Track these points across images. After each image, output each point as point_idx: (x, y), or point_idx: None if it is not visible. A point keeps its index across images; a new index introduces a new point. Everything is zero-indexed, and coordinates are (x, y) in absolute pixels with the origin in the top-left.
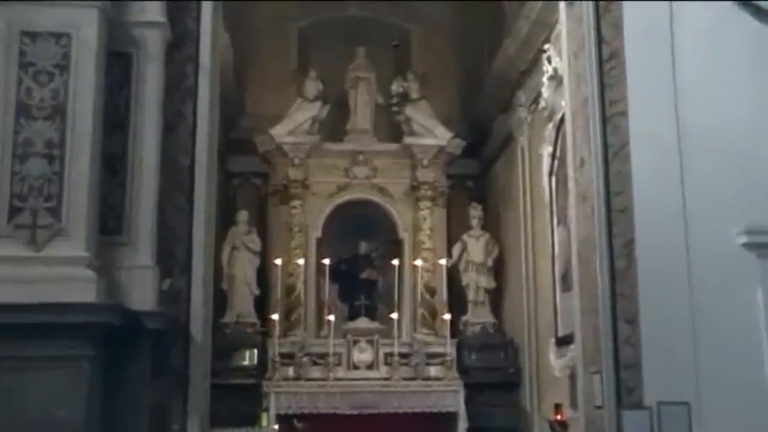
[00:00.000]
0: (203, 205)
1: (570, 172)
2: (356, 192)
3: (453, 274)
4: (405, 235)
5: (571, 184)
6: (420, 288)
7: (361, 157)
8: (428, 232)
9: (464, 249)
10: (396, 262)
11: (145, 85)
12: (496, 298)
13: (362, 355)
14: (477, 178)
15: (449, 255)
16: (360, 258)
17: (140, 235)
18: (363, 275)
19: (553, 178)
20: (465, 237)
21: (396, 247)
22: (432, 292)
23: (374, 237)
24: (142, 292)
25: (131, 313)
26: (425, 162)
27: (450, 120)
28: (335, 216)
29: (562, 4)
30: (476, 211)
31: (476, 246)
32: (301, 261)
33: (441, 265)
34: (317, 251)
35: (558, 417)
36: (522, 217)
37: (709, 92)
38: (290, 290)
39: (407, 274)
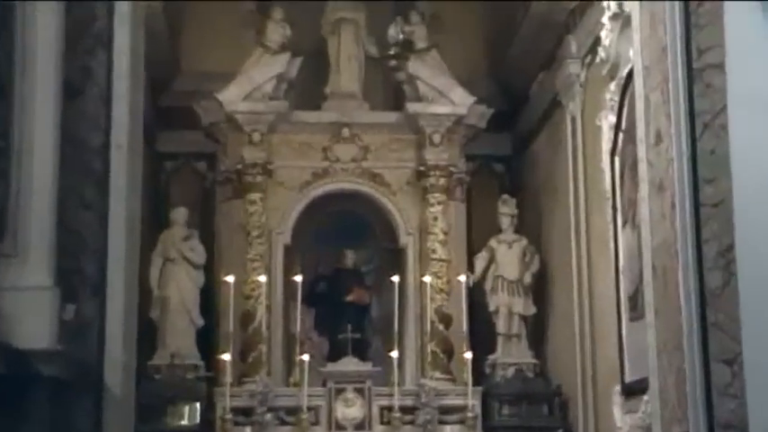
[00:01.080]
0: (123, 201)
1: (641, 151)
2: (340, 180)
3: (477, 295)
4: (408, 241)
5: (643, 169)
6: (430, 315)
7: (346, 132)
8: (441, 237)
9: (491, 261)
10: (396, 279)
11: (35, 32)
12: (537, 329)
13: (349, 409)
14: (510, 161)
15: (470, 269)
16: (345, 274)
17: (31, 243)
18: (350, 298)
19: (617, 160)
20: (493, 243)
21: (396, 259)
22: (446, 320)
23: (365, 244)
24: (35, 324)
25: (19, 354)
26: (437, 138)
27: (472, 79)
28: (311, 215)
29: None
30: (507, 208)
31: (508, 256)
32: (263, 278)
33: (459, 283)
34: (284, 264)
35: None
36: (572, 215)
37: None
38: (247, 319)
39: (412, 296)
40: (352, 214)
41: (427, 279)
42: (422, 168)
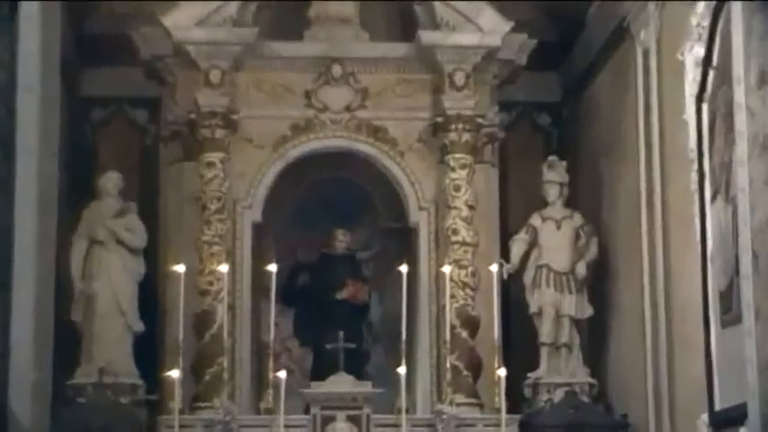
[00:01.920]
0: (33, 163)
1: (739, 96)
2: (328, 136)
3: (513, 292)
4: (421, 218)
5: (741, 119)
6: (450, 318)
7: (337, 70)
8: (465, 213)
9: (533, 245)
10: (404, 269)
11: None
12: (594, 338)
13: None
14: (558, 110)
15: (504, 256)
16: (336, 263)
17: None
18: (342, 295)
19: (705, 108)
20: (535, 221)
21: (404, 242)
22: (472, 325)
23: (362, 222)
24: None
25: None
26: (460, 79)
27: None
28: (290, 183)
29: None
30: (555, 173)
31: (555, 238)
32: (224, 268)
33: (490, 275)
34: (254, 249)
35: None
36: (642, 184)
37: None
38: (202, 323)
39: (426, 293)
40: (345, 182)
41: (446, 269)
42: (439, 120)
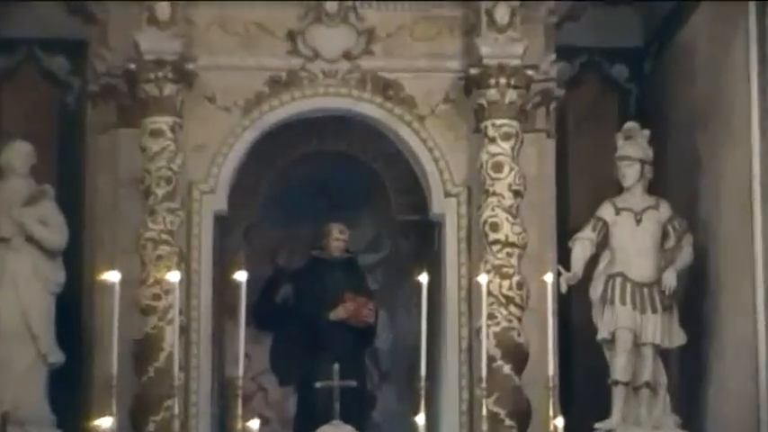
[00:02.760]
0: None
1: None
2: (320, 94)
3: (575, 310)
4: (448, 208)
5: None
6: (488, 347)
7: (332, 4)
8: (509, 201)
9: (604, 245)
10: (424, 279)
11: None
12: (687, 375)
13: None
14: (640, 61)
15: (563, 261)
16: (330, 271)
17: None
18: (338, 314)
19: None
20: (606, 213)
21: (425, 241)
22: (518, 356)
23: (367, 214)
24: None
25: None
26: (502, 16)
27: None
28: (267, 159)
29: None
30: (633, 146)
31: (635, 237)
32: (175, 276)
33: (543, 287)
34: (217, 251)
35: None
36: (756, 164)
37: None
38: (145, 351)
39: (454, 311)
40: (344, 159)
41: (483, 280)
42: (474, 72)
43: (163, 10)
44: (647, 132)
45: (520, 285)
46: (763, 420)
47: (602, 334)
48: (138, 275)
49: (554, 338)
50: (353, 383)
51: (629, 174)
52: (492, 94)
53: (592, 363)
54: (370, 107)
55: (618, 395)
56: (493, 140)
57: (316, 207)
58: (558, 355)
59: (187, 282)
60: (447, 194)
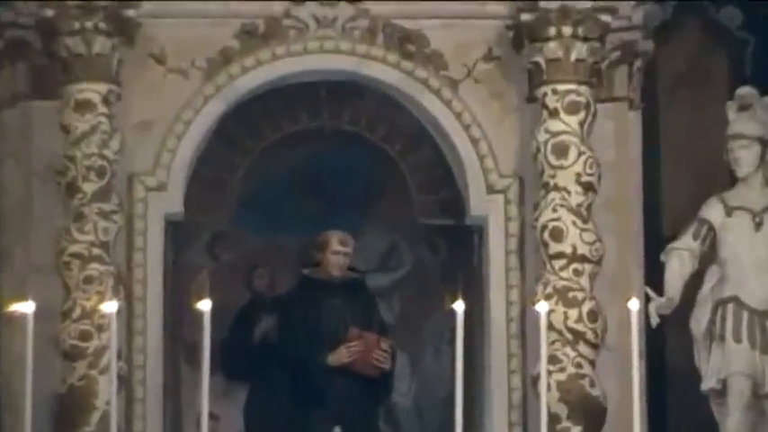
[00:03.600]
0: None
1: None
2: (311, 51)
3: (671, 349)
4: (492, 209)
5: None
6: (548, 400)
7: None
8: (577, 197)
9: (709, 260)
10: (460, 308)
11: None
12: None
13: None
14: (756, 6)
15: (652, 282)
16: (328, 297)
17: None
18: (338, 359)
19: None
20: (712, 213)
21: (459, 256)
22: (592, 413)
23: (380, 218)
24: None
25: None
26: None
27: None
28: (239, 142)
29: None
30: (749, 121)
31: (753, 246)
32: (111, 306)
33: (626, 316)
34: (168, 269)
35: None
36: None
37: None
38: (71, 408)
39: (500, 352)
40: (346, 141)
41: (542, 308)
42: (527, 18)
43: None
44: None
45: (593, 316)
46: None
47: (709, 382)
48: (59, 305)
49: (642, 389)
50: None
51: (745, 158)
52: (552, 48)
53: (693, 421)
54: (381, 68)
55: None
56: (554, 114)
57: (307, 209)
58: (647, 411)
59: (128, 314)
60: (490, 190)
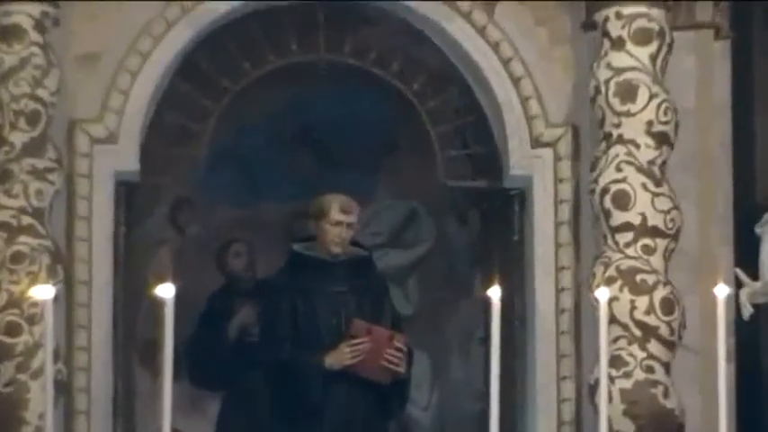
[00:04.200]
0: None
1: None
2: None
3: (765, 348)
4: (536, 168)
5: None
6: (613, 407)
7: None
8: (651, 153)
9: None
10: (495, 294)
11: None
12: None
13: None
14: None
15: (741, 263)
16: (326, 280)
17: None
18: (339, 360)
19: None
20: None
21: (494, 228)
22: (665, 428)
23: (390, 179)
24: None
25: None
26: None
27: None
28: (208, 80)
29: None
30: None
31: None
32: (45, 292)
33: (711, 306)
34: (120, 245)
35: None
36: None
37: None
38: (1, 422)
39: (548, 349)
40: (349, 79)
41: (602, 294)
42: None
43: None
44: None
45: (668, 306)
46: None
47: None
48: None
49: (730, 399)
50: None
51: None
52: None
53: None
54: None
55: None
56: (618, 44)
57: (298, 167)
58: (736, 428)
59: (68, 302)
60: (536, 143)
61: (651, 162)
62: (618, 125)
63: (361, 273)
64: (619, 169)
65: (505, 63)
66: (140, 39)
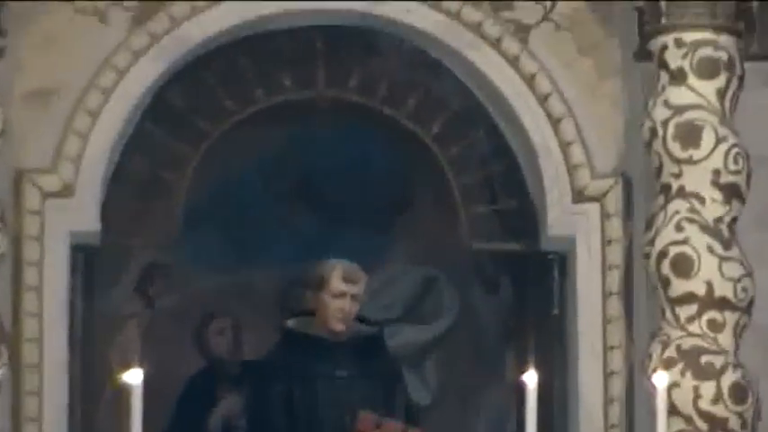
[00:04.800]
0: None
1: None
2: None
3: None
4: (580, 227)
5: None
6: None
7: None
8: (718, 209)
9: None
10: (531, 380)
11: None
12: None
13: None
14: None
15: None
16: (327, 364)
17: None
18: None
19: None
20: None
21: (529, 298)
22: None
23: (403, 239)
24: None
25: None
26: None
27: None
28: (185, 122)
29: None
30: None
31: None
32: None
33: None
34: (78, 320)
35: None
36: None
37: None
38: None
39: None
40: (353, 120)
41: (661, 381)
42: None
43: None
44: None
45: (740, 393)
46: None
47: None
48: None
49: None
50: None
51: None
52: None
53: None
54: (409, 8)
55: None
56: (679, 77)
57: (294, 225)
58: None
59: (14, 390)
60: (579, 197)
61: (718, 220)
62: (678, 175)
63: (369, 354)
64: (679, 228)
65: (542, 100)
66: (101, 72)
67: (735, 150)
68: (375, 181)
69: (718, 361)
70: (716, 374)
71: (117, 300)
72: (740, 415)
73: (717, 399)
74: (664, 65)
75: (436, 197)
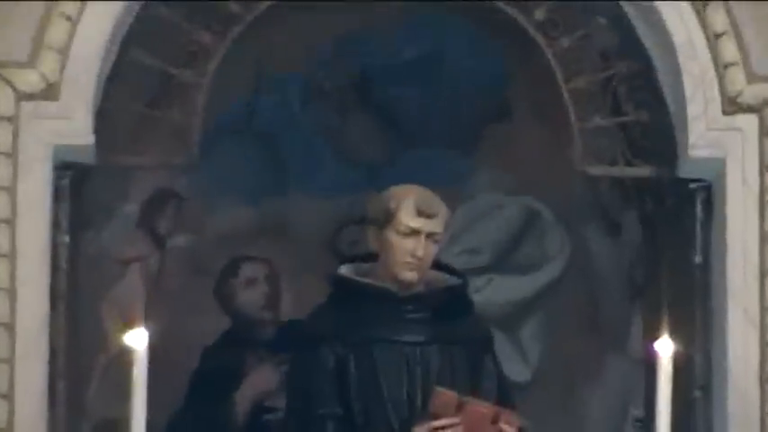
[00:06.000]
0: None
1: None
2: None
3: None
4: (733, 143)
5: None
6: None
7: None
8: None
9: None
10: (665, 349)
11: None
12: None
13: None
14: None
15: None
16: (394, 325)
17: None
18: None
19: None
20: None
21: (661, 239)
22: None
23: (493, 163)
24: None
25: None
26: None
27: None
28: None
29: None
30: None
31: None
32: None
33: None
34: (60, 264)
35: None
36: None
37: None
38: None
39: (750, 426)
40: (434, 17)
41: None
42: None
43: None
44: None
45: None
46: None
47: None
48: None
49: None
50: None
51: None
52: None
53: None
54: None
55: None
56: None
57: (349, 140)
58: None
59: None
60: (733, 106)
61: None
62: None
63: (449, 313)
64: None
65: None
66: None
67: None
68: (458, 86)
69: None
70: None
71: (114, 238)
72: None
73: None
74: None
75: (540, 107)
